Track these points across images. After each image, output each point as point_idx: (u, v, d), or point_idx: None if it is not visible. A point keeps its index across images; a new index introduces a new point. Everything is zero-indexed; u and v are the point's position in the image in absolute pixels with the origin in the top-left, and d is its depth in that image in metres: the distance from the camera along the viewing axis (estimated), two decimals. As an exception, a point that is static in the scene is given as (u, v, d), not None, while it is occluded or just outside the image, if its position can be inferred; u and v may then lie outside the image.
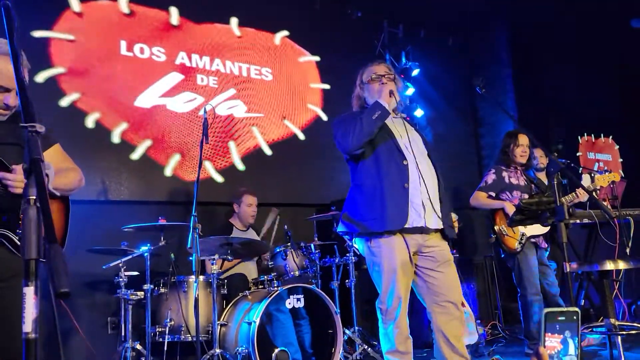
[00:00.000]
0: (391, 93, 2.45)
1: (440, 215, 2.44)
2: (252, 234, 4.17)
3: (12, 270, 1.65)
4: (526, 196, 3.79)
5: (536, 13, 5.94)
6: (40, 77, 3.95)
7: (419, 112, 6.02)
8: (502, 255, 3.79)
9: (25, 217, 0.81)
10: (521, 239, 3.62)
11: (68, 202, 1.95)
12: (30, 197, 0.81)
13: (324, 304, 3.23)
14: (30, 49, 3.94)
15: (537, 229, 3.61)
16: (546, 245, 3.77)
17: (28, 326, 0.77)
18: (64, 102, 4.03)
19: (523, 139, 3.85)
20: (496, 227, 3.73)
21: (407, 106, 5.77)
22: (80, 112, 4.09)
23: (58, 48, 4.10)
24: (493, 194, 3.81)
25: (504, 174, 3.86)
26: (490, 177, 3.85)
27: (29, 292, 0.77)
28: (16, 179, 1.59)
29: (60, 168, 1.88)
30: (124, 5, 4.49)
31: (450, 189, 2.59)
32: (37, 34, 4.02)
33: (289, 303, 3.13)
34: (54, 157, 1.89)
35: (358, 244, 2.54)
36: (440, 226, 2.45)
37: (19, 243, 1.67)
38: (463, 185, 3.97)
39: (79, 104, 4.11)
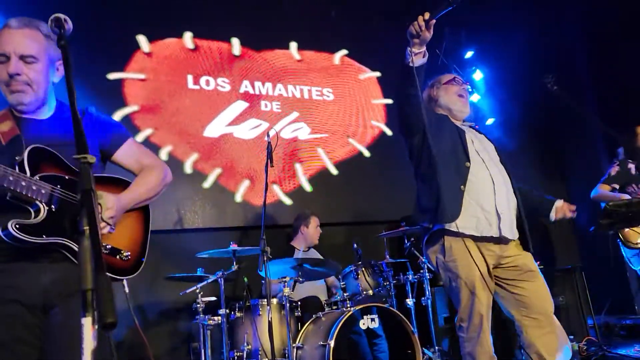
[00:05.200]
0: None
1: (516, 225, 2.30)
2: (314, 254, 4.14)
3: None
4: None
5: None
6: (116, 116, 4.22)
7: (489, 120, 5.77)
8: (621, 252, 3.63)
9: (81, 247, 0.83)
10: None
11: (148, 210, 1.79)
12: (85, 228, 0.83)
13: (399, 324, 3.11)
14: (106, 90, 4.25)
15: None
16: None
17: (87, 358, 0.78)
18: (139, 138, 4.25)
19: None
20: None
21: (476, 116, 5.56)
22: (154, 146, 4.31)
23: (131, 87, 4.38)
24: (617, 187, 3.70)
25: (630, 165, 3.74)
26: (614, 169, 3.76)
27: (87, 322, 0.78)
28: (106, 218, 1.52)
29: (140, 165, 1.79)
30: (188, 41, 4.73)
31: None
32: (112, 76, 4.32)
33: (363, 324, 3.04)
34: (128, 154, 1.79)
35: (431, 257, 2.41)
36: (517, 236, 2.30)
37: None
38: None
39: (153, 138, 4.34)
